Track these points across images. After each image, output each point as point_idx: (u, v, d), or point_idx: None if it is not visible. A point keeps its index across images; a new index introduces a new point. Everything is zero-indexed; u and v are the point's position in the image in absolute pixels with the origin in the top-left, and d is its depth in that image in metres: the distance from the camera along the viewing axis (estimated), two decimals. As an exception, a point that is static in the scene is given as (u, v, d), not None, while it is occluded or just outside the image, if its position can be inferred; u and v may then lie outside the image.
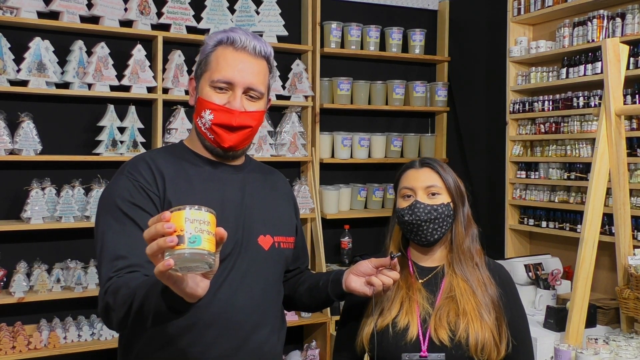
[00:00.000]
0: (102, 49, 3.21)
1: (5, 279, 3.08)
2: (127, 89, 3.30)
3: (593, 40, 3.03)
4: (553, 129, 3.24)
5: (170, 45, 3.46)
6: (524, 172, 3.42)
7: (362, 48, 3.99)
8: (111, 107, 3.27)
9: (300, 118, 3.83)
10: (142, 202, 1.45)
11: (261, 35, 3.55)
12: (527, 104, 3.40)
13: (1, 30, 3.05)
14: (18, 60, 3.05)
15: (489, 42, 3.87)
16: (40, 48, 3.07)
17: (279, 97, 3.72)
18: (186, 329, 1.45)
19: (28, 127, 3.04)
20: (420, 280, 1.69)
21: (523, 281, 2.94)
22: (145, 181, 1.47)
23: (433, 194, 1.66)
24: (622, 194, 2.46)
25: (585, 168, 3.04)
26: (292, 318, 3.57)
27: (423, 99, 4.15)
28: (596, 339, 2.22)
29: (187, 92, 1.43)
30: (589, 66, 3.04)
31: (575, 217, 3.11)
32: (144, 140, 3.35)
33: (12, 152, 3.03)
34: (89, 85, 3.21)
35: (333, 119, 4.00)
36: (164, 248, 1.03)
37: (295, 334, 3.86)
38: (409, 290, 1.66)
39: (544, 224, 3.28)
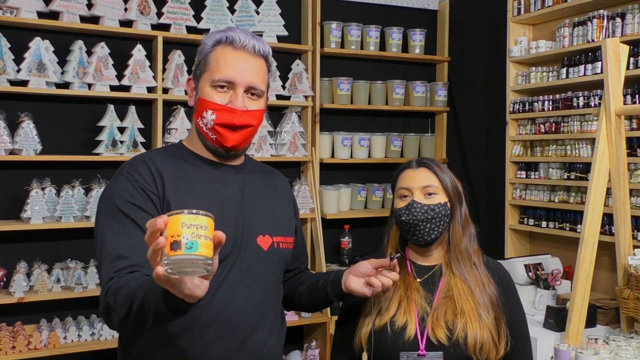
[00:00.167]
0: (102, 49, 3.21)
1: (5, 279, 3.08)
2: (127, 89, 3.31)
3: (593, 40, 3.03)
4: (553, 129, 3.24)
5: (170, 45, 3.46)
6: (524, 172, 3.42)
7: (362, 48, 3.99)
8: (111, 107, 3.27)
9: (300, 118, 3.83)
10: (142, 202, 1.45)
11: (261, 35, 3.56)
12: (527, 104, 3.40)
13: (1, 30, 3.05)
14: (18, 60, 3.05)
15: (489, 42, 3.87)
16: (40, 48, 3.07)
17: (279, 97, 3.72)
18: (186, 329, 1.46)
19: (28, 127, 3.04)
20: (418, 280, 1.69)
21: (523, 281, 2.94)
22: (145, 181, 1.47)
23: (430, 194, 1.66)
24: (622, 194, 2.46)
25: (585, 168, 3.03)
26: (292, 318, 3.57)
27: (423, 99, 4.15)
28: (596, 339, 2.22)
29: (187, 92, 1.42)
30: (589, 66, 3.04)
31: (575, 217, 3.11)
32: (144, 140, 3.35)
33: (12, 152, 3.03)
34: (89, 85, 3.21)
35: (333, 119, 4.00)
36: (157, 254, 1.03)
37: (295, 334, 3.86)
38: (407, 290, 1.66)
39: (544, 224, 3.28)
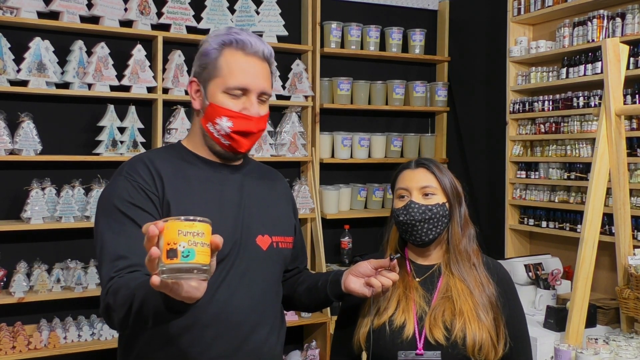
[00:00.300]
0: (102, 49, 3.21)
1: (5, 279, 3.08)
2: (127, 89, 3.31)
3: (593, 40, 3.03)
4: (553, 129, 3.24)
5: (170, 45, 3.46)
6: (524, 172, 3.42)
7: (362, 48, 3.99)
8: (111, 107, 3.27)
9: (300, 118, 3.83)
10: (142, 202, 1.45)
11: (261, 35, 3.56)
12: (527, 104, 3.40)
13: (1, 30, 3.05)
14: (18, 60, 3.05)
15: (489, 42, 3.87)
16: (40, 48, 3.07)
17: (279, 97, 3.72)
18: (185, 329, 1.46)
19: (28, 127, 3.04)
20: (417, 279, 1.69)
21: (523, 281, 2.94)
22: (144, 181, 1.47)
23: (428, 195, 1.66)
24: (622, 194, 2.46)
25: (585, 168, 3.03)
26: (292, 318, 3.57)
27: (423, 99, 4.15)
28: (596, 339, 2.22)
29: (187, 93, 1.41)
30: (589, 66, 3.04)
31: (575, 217, 3.11)
32: (144, 140, 3.35)
33: (12, 152, 3.03)
34: (89, 85, 3.21)
35: (333, 119, 4.00)
36: (154, 262, 1.04)
37: (295, 334, 3.86)
38: (406, 289, 1.67)
39: (544, 224, 3.28)
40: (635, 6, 2.86)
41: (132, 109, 3.33)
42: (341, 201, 3.94)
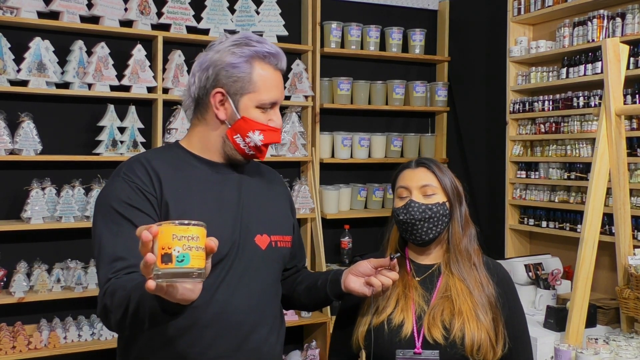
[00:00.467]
0: (102, 49, 3.21)
1: (5, 279, 3.08)
2: (127, 89, 3.31)
3: (593, 40, 3.03)
4: (553, 129, 3.24)
5: (170, 45, 3.46)
6: (524, 172, 3.42)
7: (362, 48, 3.99)
8: (111, 107, 3.27)
9: (300, 118, 3.83)
10: (140, 203, 1.45)
11: (261, 35, 3.55)
12: (527, 104, 3.40)
13: (1, 30, 3.05)
14: (18, 60, 3.05)
15: (489, 42, 3.87)
16: (40, 48, 3.07)
17: (279, 97, 3.71)
18: (185, 329, 1.46)
19: (28, 127, 3.04)
20: (416, 278, 1.69)
21: (523, 281, 2.94)
22: (142, 182, 1.47)
23: (428, 194, 1.66)
24: (622, 193, 2.45)
25: (585, 168, 3.03)
26: (292, 318, 3.57)
27: (423, 99, 4.15)
28: (596, 339, 2.21)
29: (209, 104, 1.39)
30: (589, 66, 3.04)
31: (575, 217, 3.11)
32: (144, 140, 3.35)
33: (12, 152, 3.03)
34: (89, 85, 3.21)
35: (333, 119, 4.00)
36: (149, 267, 1.04)
37: (295, 334, 3.86)
38: (405, 288, 1.67)
39: (544, 223, 3.28)
40: (635, 6, 2.86)
41: (132, 109, 3.33)
42: (341, 201, 3.94)
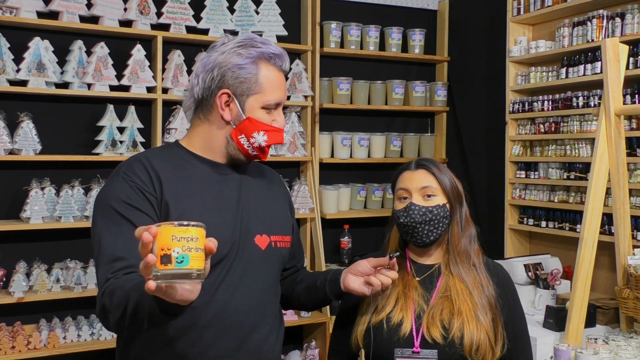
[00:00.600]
0: (101, 49, 3.21)
1: (4, 279, 3.08)
2: (126, 88, 3.30)
3: (593, 40, 3.03)
4: (553, 128, 3.24)
5: (170, 45, 3.46)
6: (523, 172, 3.42)
7: (361, 48, 3.99)
8: (111, 107, 3.27)
9: (299, 118, 3.83)
10: (139, 202, 1.44)
11: (261, 35, 3.55)
12: (526, 104, 3.40)
13: (1, 30, 3.05)
14: (18, 60, 3.05)
15: (488, 42, 3.87)
16: (40, 48, 3.07)
17: (278, 97, 3.71)
18: (184, 330, 1.45)
19: (27, 127, 3.04)
20: (416, 278, 1.69)
21: (523, 281, 2.94)
22: (142, 182, 1.47)
23: (428, 196, 1.65)
24: (622, 193, 2.46)
25: (584, 168, 3.03)
26: (291, 318, 3.57)
27: (423, 98, 4.15)
28: (596, 339, 2.22)
29: (213, 104, 1.39)
30: (589, 66, 3.04)
31: (574, 217, 3.11)
32: (143, 140, 3.35)
33: (11, 152, 3.03)
34: (89, 85, 3.21)
35: (333, 119, 4.00)
36: (148, 269, 1.04)
37: (294, 334, 3.86)
38: (405, 287, 1.67)
39: (543, 223, 3.28)
40: (635, 6, 2.86)
41: (132, 108, 3.33)
42: (341, 201, 3.94)
